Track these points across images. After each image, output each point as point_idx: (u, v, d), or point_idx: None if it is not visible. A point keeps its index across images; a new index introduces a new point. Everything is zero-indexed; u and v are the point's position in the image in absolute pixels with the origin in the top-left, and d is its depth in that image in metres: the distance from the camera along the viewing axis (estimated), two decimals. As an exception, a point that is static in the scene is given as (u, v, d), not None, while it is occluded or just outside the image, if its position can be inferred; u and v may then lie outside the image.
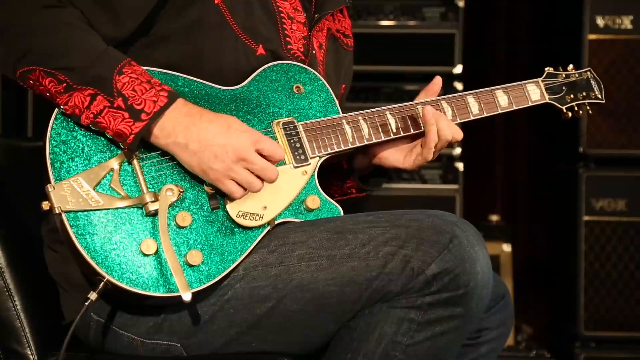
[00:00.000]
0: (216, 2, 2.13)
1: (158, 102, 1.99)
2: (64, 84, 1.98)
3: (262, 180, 2.04)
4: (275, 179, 2.04)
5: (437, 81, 2.33)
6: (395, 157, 2.30)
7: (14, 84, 2.05)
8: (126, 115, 1.97)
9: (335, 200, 2.20)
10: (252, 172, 2.02)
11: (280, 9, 2.22)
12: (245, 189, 2.03)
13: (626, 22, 4.22)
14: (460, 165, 4.32)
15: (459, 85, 4.27)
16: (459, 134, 2.26)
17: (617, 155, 4.27)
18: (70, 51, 1.98)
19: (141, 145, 2.03)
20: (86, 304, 1.96)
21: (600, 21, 4.22)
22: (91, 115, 1.98)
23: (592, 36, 4.22)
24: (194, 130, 2.00)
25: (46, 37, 1.98)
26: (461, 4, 4.33)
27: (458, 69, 4.30)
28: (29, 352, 2.14)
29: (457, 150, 4.29)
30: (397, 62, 4.35)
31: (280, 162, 2.12)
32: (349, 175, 2.36)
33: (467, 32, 4.37)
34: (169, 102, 1.99)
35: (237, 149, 2.00)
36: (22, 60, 1.99)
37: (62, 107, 2.00)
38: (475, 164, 4.57)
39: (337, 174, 2.38)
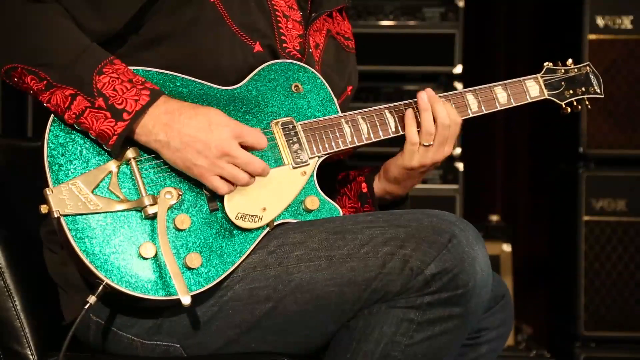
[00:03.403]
0: (212, 0, 2.13)
1: (140, 100, 1.98)
2: (45, 82, 1.97)
3: (249, 174, 2.03)
4: (260, 171, 2.03)
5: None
6: (402, 157, 2.29)
7: (14, 83, 2.05)
8: (108, 115, 1.97)
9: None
10: (237, 166, 2.02)
11: (275, 7, 2.22)
12: (232, 184, 2.03)
13: (626, 22, 4.22)
14: (460, 165, 4.32)
15: (459, 85, 4.28)
16: (457, 116, 2.25)
17: (617, 155, 4.27)
18: (51, 48, 1.98)
19: (139, 147, 2.03)
20: (85, 307, 1.96)
21: (600, 21, 4.22)
22: (73, 116, 1.98)
23: (592, 36, 4.22)
24: (175, 127, 1.99)
25: (28, 34, 1.98)
26: (461, 4, 4.33)
27: (458, 69, 4.31)
28: (29, 352, 2.14)
29: (457, 150, 4.29)
30: (397, 62, 4.36)
31: (279, 163, 2.12)
32: (367, 200, 2.35)
33: (467, 32, 4.38)
34: (150, 100, 1.98)
35: (219, 143, 1.99)
36: (5, 57, 1.98)
37: (45, 104, 1.99)
38: (475, 164, 4.57)
39: (354, 195, 2.37)
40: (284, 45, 2.21)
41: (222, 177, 2.01)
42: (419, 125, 2.24)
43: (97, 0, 2.05)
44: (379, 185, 2.33)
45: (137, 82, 1.99)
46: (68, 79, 1.97)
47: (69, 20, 2.02)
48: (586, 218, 4.25)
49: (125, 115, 1.97)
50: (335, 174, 2.39)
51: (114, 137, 1.97)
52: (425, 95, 2.24)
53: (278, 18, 2.22)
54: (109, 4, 2.06)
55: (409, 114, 2.24)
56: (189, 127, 1.99)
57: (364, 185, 2.34)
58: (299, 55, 2.23)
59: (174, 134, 1.99)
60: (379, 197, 2.34)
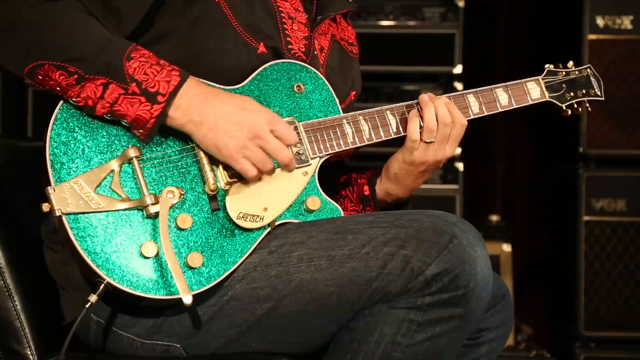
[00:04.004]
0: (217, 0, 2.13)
1: (171, 81, 1.99)
2: (75, 76, 1.98)
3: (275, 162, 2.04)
4: (288, 161, 2.04)
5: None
6: (403, 151, 2.28)
7: (14, 83, 2.05)
8: (143, 99, 1.98)
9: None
10: (266, 152, 2.03)
11: (280, 8, 2.22)
12: (258, 170, 2.03)
13: (626, 22, 4.22)
14: (460, 165, 4.32)
15: (459, 85, 4.28)
16: (461, 118, 2.25)
17: (617, 155, 4.28)
18: (77, 42, 1.98)
19: (141, 146, 2.03)
20: (86, 306, 1.96)
21: (600, 21, 4.22)
22: (107, 105, 1.98)
23: (592, 36, 4.23)
24: (209, 107, 2.00)
25: (51, 30, 1.98)
26: (461, 4, 4.33)
27: (458, 69, 4.31)
28: (29, 352, 2.14)
29: (457, 150, 4.29)
30: (397, 62, 4.35)
31: (280, 163, 2.12)
32: (369, 202, 2.35)
33: (467, 32, 4.38)
34: (181, 79, 2.00)
35: (252, 126, 2.00)
36: (29, 56, 1.98)
37: (73, 99, 1.99)
38: (475, 164, 4.57)
39: (356, 198, 2.37)
40: (290, 46, 2.21)
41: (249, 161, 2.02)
42: (421, 125, 2.24)
43: (113, 5, 2.05)
44: (381, 186, 2.32)
45: (164, 64, 2.01)
46: (99, 69, 1.97)
47: (88, 14, 2.02)
48: (586, 218, 4.25)
49: (159, 98, 1.98)
50: (335, 175, 2.39)
51: (152, 120, 1.98)
52: (427, 94, 2.24)
53: (283, 19, 2.22)
54: (123, 5, 2.06)
55: (412, 112, 2.24)
56: (222, 107, 2.01)
57: (366, 187, 2.34)
58: (304, 57, 2.23)
59: (207, 113, 2.00)
60: (381, 200, 2.34)
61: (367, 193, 2.33)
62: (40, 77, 1.99)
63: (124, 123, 2.01)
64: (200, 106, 2.00)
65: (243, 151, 2.01)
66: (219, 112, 2.00)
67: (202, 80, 2.08)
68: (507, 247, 4.40)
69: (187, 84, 2.00)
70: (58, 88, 2.00)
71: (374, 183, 2.33)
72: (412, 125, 2.23)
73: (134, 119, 1.99)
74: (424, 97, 2.24)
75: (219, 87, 2.10)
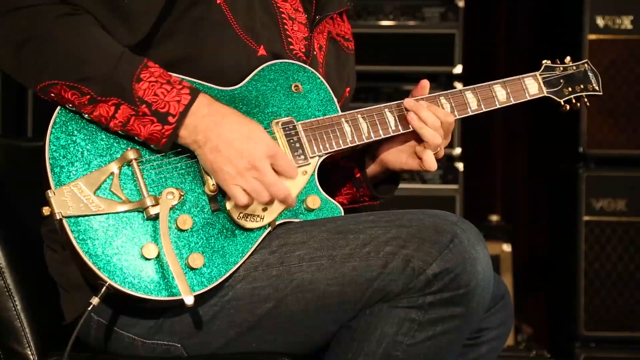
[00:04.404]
0: (218, 1, 2.13)
1: (181, 101, 1.99)
2: (88, 97, 1.98)
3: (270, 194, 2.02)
4: (282, 197, 2.02)
5: (424, 84, 2.31)
6: (400, 159, 2.29)
7: (14, 84, 2.05)
8: (154, 119, 1.98)
9: (347, 208, 2.19)
10: (262, 184, 2.02)
11: (281, 9, 2.22)
12: (250, 197, 2.02)
13: (626, 22, 4.23)
14: (460, 165, 4.32)
15: (458, 85, 4.28)
16: (447, 116, 2.26)
17: (617, 155, 4.28)
18: (89, 61, 1.98)
19: (140, 147, 2.03)
20: (88, 309, 1.96)
21: (600, 21, 4.23)
22: (119, 124, 1.99)
23: (592, 36, 4.23)
24: (215, 130, 2.00)
25: (63, 48, 1.98)
26: (461, 4, 4.33)
27: (458, 69, 4.31)
28: (29, 352, 2.14)
29: (457, 150, 4.29)
30: (397, 62, 4.36)
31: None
32: (361, 184, 2.35)
33: (467, 32, 4.38)
34: (192, 98, 2.00)
35: (251, 156, 2.00)
36: (42, 75, 1.98)
37: (87, 116, 2.00)
38: (475, 164, 4.57)
39: (349, 182, 2.37)
40: (291, 47, 2.21)
41: (243, 189, 2.01)
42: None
43: (125, 13, 2.05)
44: (371, 169, 2.34)
45: (174, 82, 2.01)
46: (109, 91, 1.97)
47: (99, 28, 2.02)
48: (586, 218, 4.25)
49: (170, 119, 1.98)
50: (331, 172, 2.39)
51: (164, 140, 1.99)
52: (410, 113, 2.24)
53: (284, 20, 2.22)
54: (135, 15, 2.06)
55: (414, 119, 2.24)
56: (228, 133, 2.00)
57: (356, 170, 2.34)
58: (305, 58, 2.24)
59: (212, 136, 2.00)
60: (373, 176, 2.35)
61: (358, 175, 2.34)
62: (52, 94, 2.00)
63: (137, 139, 2.02)
64: (207, 129, 2.00)
65: (237, 179, 2.00)
66: (224, 137, 2.00)
67: (209, 83, 2.09)
68: (507, 247, 4.41)
69: (197, 103, 2.00)
70: (71, 105, 2.00)
71: (362, 164, 2.34)
72: (426, 131, 2.22)
73: (146, 137, 2.00)
74: (413, 121, 2.23)
75: (213, 88, 2.10)
